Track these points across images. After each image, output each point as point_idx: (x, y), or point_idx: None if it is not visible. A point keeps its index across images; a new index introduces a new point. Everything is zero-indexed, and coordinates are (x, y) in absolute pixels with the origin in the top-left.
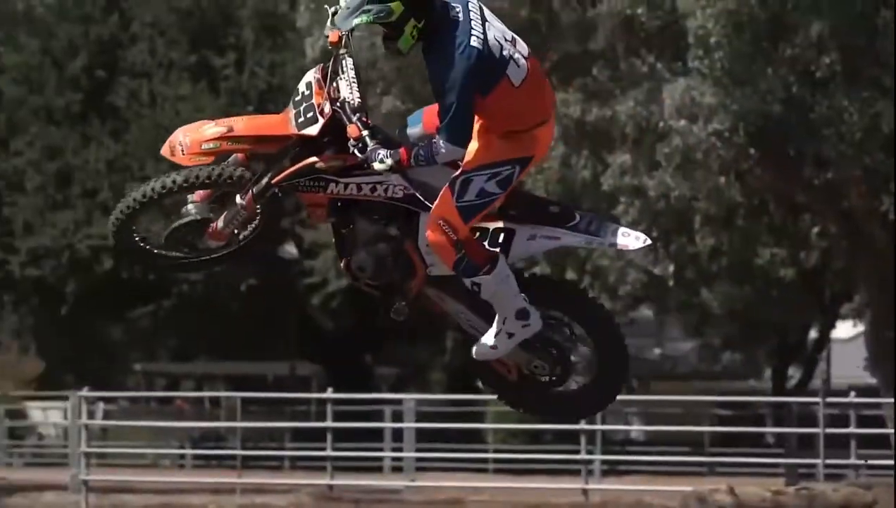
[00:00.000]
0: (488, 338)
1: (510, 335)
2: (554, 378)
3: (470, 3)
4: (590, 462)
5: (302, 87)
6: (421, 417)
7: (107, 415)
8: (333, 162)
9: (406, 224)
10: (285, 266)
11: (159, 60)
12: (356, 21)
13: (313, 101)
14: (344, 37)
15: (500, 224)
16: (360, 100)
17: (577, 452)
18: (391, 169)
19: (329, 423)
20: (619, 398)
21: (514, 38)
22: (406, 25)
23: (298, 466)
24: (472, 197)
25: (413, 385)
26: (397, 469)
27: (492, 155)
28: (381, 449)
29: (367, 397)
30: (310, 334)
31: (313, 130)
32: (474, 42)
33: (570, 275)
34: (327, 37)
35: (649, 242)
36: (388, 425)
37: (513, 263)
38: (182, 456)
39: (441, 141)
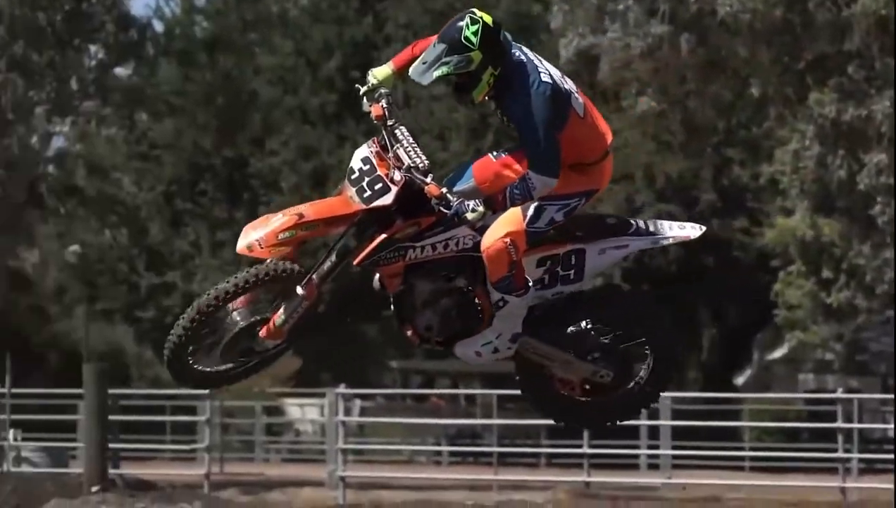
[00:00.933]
0: (475, 344)
1: (495, 351)
2: (619, 383)
3: (523, 47)
4: (847, 460)
5: (356, 164)
6: (677, 415)
7: (363, 412)
8: (409, 228)
9: (473, 272)
10: None
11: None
12: (436, 73)
13: (378, 173)
14: (387, 109)
15: (568, 247)
16: (427, 162)
17: (835, 450)
18: (483, 216)
19: None
20: (876, 396)
21: (562, 75)
22: (484, 74)
23: (554, 463)
24: (542, 224)
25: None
26: (653, 467)
27: (566, 187)
28: (637, 447)
29: None
30: None
31: (388, 200)
32: (545, 78)
33: (826, 274)
34: (371, 113)
35: (704, 229)
36: (644, 422)
37: (591, 277)
38: (438, 453)
39: (535, 175)
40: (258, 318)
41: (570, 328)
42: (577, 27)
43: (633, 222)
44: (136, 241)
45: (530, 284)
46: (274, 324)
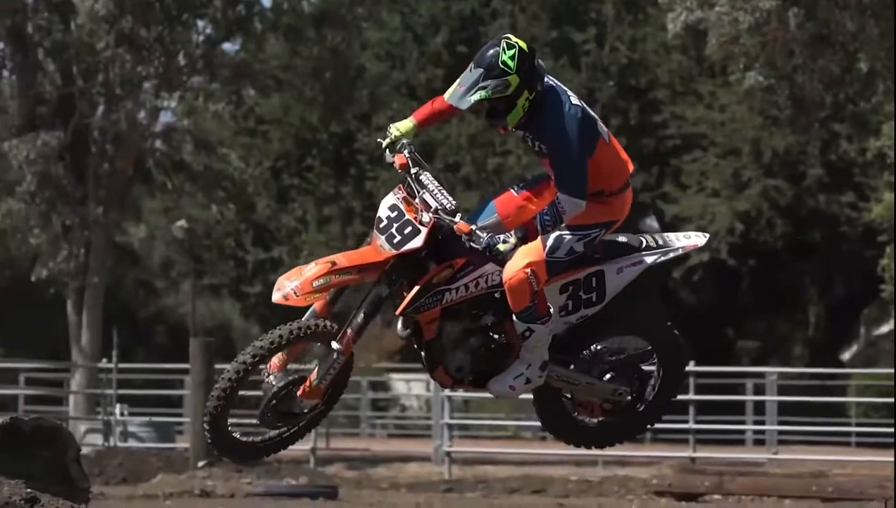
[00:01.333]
0: (507, 379)
1: (528, 381)
2: (634, 397)
3: (548, 74)
4: None
5: (384, 212)
6: (783, 390)
7: None
8: (445, 271)
9: (499, 308)
10: None
11: (520, 36)
12: (474, 98)
13: (407, 217)
14: (410, 158)
15: (587, 270)
16: (454, 202)
17: None
18: (515, 246)
19: (691, 396)
20: None
21: (586, 104)
22: (519, 99)
23: (660, 438)
24: (562, 255)
25: (775, 358)
26: (759, 442)
27: (587, 218)
28: (743, 422)
29: (729, 370)
30: (671, 307)
31: (418, 242)
32: (575, 101)
33: None
34: (395, 163)
35: (707, 236)
36: (749, 398)
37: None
38: (542, 428)
39: (565, 198)
40: (294, 378)
41: (585, 351)
42: (685, 1)
43: (642, 238)
44: (243, 216)
45: (552, 311)
46: (311, 383)
